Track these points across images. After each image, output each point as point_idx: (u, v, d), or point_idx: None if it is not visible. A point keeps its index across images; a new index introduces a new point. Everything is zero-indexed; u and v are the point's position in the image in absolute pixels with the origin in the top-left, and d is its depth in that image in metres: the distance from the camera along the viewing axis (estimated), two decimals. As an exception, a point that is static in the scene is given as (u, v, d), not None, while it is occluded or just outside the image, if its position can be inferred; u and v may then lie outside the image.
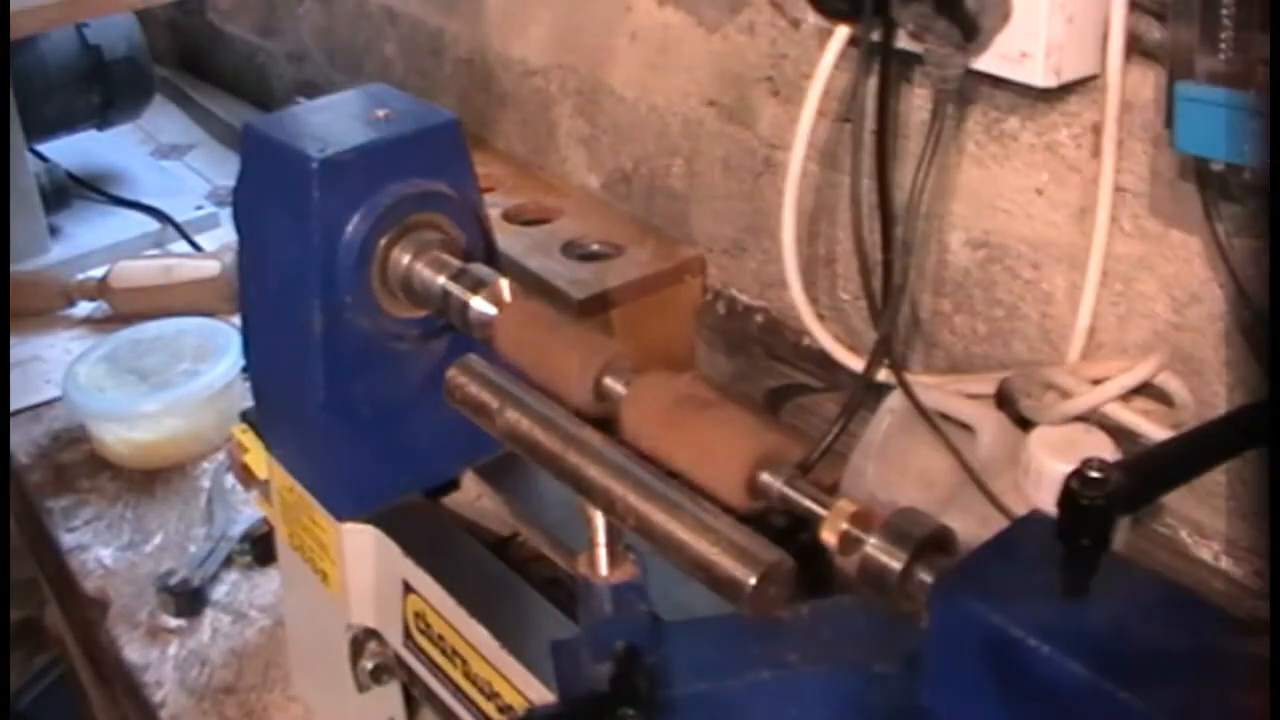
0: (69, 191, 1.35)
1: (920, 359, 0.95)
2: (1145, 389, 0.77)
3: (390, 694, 0.77)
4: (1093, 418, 0.76)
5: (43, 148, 1.34)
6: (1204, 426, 0.54)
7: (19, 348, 1.22)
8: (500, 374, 0.63)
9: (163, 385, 1.09)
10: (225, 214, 1.35)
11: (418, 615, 0.73)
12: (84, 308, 1.23)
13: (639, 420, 0.58)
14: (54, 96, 1.30)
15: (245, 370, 0.96)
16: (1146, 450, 0.52)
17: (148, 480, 1.10)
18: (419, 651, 0.73)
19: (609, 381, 0.61)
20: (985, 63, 0.77)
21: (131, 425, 1.09)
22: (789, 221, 0.90)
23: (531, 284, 0.96)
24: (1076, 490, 0.46)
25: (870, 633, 0.60)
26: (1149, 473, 0.49)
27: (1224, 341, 0.76)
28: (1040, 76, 0.75)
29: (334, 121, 0.79)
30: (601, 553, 0.57)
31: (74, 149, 1.38)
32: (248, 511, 1.03)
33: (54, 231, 1.31)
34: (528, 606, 0.70)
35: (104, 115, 1.37)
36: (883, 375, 0.85)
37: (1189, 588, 0.52)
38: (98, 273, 1.20)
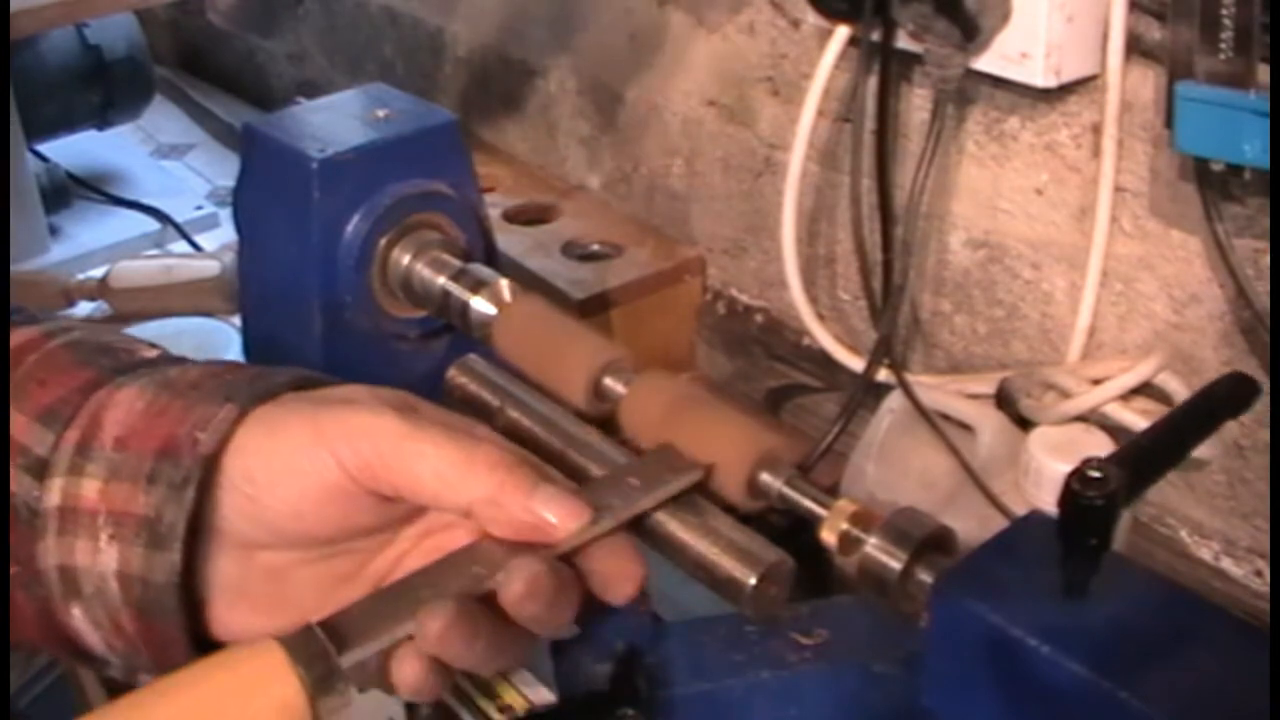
0: (69, 191, 1.35)
1: (920, 359, 0.95)
2: (1145, 389, 0.77)
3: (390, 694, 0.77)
4: (1093, 418, 0.76)
5: (43, 148, 1.34)
6: (1183, 407, 0.55)
7: (19, 348, 1.21)
8: (500, 374, 0.63)
9: (163, 385, 1.09)
10: (225, 214, 1.34)
11: (418, 615, 0.73)
12: (84, 308, 1.23)
13: (639, 420, 0.58)
14: (54, 96, 1.30)
15: (245, 370, 0.95)
16: (1133, 440, 0.52)
17: (148, 480, 1.10)
18: (419, 651, 0.73)
19: (609, 381, 0.61)
20: (985, 63, 0.77)
21: (131, 425, 1.09)
22: (789, 221, 0.90)
23: (531, 284, 0.96)
24: (1076, 490, 0.46)
25: (870, 633, 0.60)
26: (1141, 461, 0.49)
27: (1224, 341, 0.76)
28: (1040, 76, 0.75)
29: (334, 121, 0.79)
30: (601, 553, 0.57)
31: (74, 149, 1.37)
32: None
33: (54, 231, 1.30)
34: (528, 606, 0.70)
35: (104, 115, 1.36)
36: (883, 375, 0.85)
37: (1189, 588, 0.52)
38: (98, 273, 1.20)
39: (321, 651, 0.44)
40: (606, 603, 0.50)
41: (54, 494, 0.49)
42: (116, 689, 0.54)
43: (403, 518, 0.52)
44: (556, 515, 0.48)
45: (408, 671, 0.47)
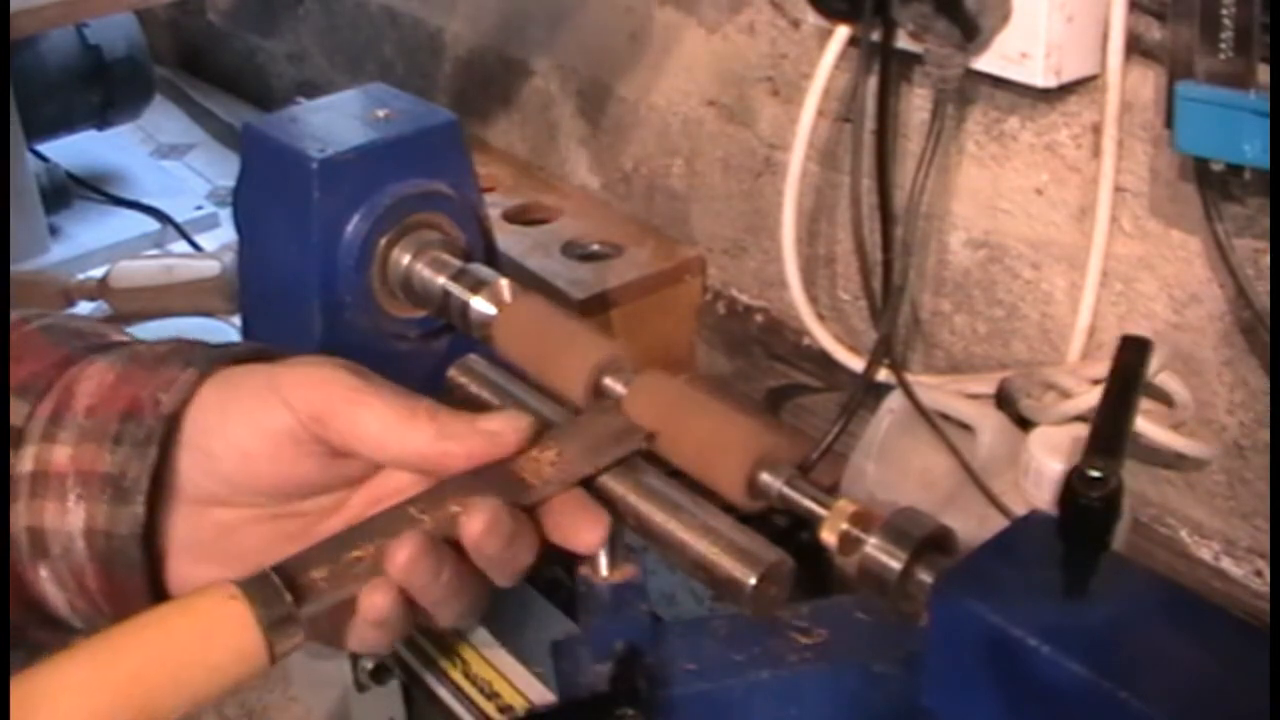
0: (69, 191, 1.35)
1: (920, 359, 0.95)
2: (1145, 389, 0.77)
3: (390, 694, 0.77)
4: (1092, 418, 0.76)
5: (43, 148, 1.34)
6: (1114, 385, 0.55)
7: (19, 348, 1.21)
8: (500, 374, 0.63)
9: (163, 385, 1.09)
10: (225, 214, 1.34)
11: (418, 615, 0.73)
12: (84, 308, 1.23)
13: (639, 420, 0.58)
14: (54, 96, 1.30)
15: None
16: (1095, 429, 0.52)
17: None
18: (419, 651, 0.73)
19: (609, 381, 0.61)
20: (985, 63, 0.77)
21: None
22: (789, 221, 0.90)
23: (531, 284, 0.96)
24: (1076, 490, 0.46)
25: (870, 633, 0.60)
26: (1113, 446, 0.50)
27: (1224, 341, 0.76)
28: (1040, 76, 0.75)
29: (334, 121, 0.79)
30: (601, 552, 0.57)
31: (74, 149, 1.37)
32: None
33: (54, 231, 1.30)
34: (528, 606, 0.70)
35: (104, 115, 1.36)
36: (883, 375, 0.85)
37: (1189, 588, 0.52)
38: (98, 273, 1.20)
39: (276, 594, 0.46)
40: (574, 552, 0.53)
41: (27, 461, 0.51)
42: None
43: (352, 479, 0.54)
44: (501, 427, 0.52)
45: (378, 601, 0.48)
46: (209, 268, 1.17)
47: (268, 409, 0.51)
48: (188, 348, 0.55)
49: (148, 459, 0.50)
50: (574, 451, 0.54)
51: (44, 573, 0.52)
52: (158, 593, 0.52)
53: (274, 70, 1.64)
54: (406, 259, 0.76)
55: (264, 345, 0.57)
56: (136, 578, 0.51)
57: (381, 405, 0.51)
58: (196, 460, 0.51)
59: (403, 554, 0.48)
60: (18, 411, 0.52)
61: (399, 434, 0.51)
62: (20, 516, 0.51)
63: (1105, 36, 0.75)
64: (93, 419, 0.51)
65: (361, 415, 0.51)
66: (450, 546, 0.49)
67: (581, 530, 0.52)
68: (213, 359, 0.53)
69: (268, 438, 0.51)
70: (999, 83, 0.80)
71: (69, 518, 0.51)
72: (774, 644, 0.60)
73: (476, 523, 0.49)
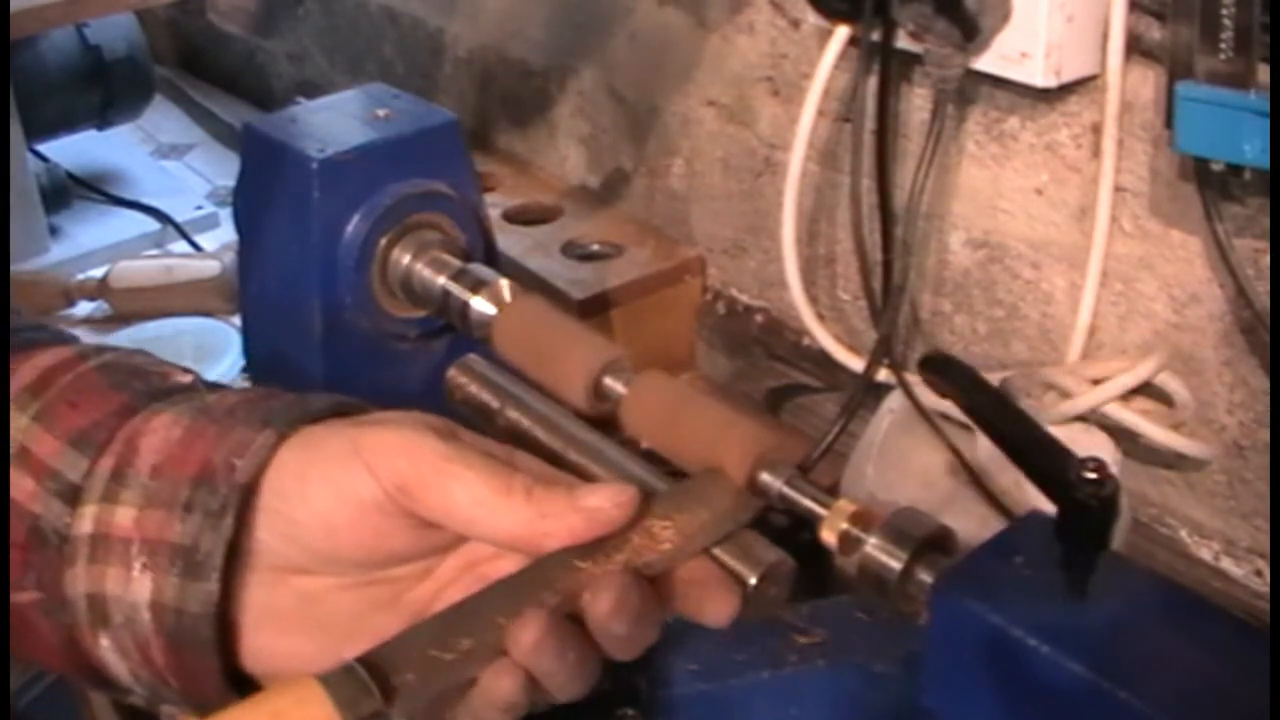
0: (69, 191, 1.35)
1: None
2: (1145, 389, 0.77)
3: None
4: (1093, 418, 0.76)
5: (43, 148, 1.34)
6: (986, 404, 0.56)
7: (19, 348, 1.21)
8: (500, 374, 0.63)
9: (163, 385, 1.09)
10: (225, 214, 1.34)
11: (418, 615, 0.73)
12: (84, 308, 1.23)
13: (639, 420, 0.58)
14: (54, 96, 1.30)
15: (245, 370, 0.95)
16: (1016, 453, 0.52)
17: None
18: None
19: (609, 381, 0.61)
20: (985, 63, 0.77)
21: (131, 425, 1.08)
22: (789, 221, 0.90)
23: (531, 284, 0.96)
24: (1075, 490, 0.46)
25: (870, 633, 0.60)
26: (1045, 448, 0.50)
27: (1224, 341, 0.76)
28: (1040, 76, 0.75)
29: (334, 121, 0.79)
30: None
31: (74, 149, 1.37)
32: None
33: (54, 231, 1.30)
34: (528, 606, 0.70)
35: (104, 115, 1.36)
36: (883, 375, 0.85)
37: (1189, 588, 0.52)
38: (98, 273, 1.20)
39: (363, 690, 0.43)
40: (702, 624, 0.49)
41: (86, 521, 0.48)
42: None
43: (442, 547, 0.50)
44: (603, 501, 0.47)
45: (505, 685, 0.45)
46: (209, 268, 1.17)
47: (351, 477, 0.47)
48: (262, 401, 0.51)
49: (222, 531, 0.46)
50: (692, 523, 0.50)
51: (105, 641, 0.48)
52: (230, 668, 0.48)
53: (274, 70, 1.64)
54: (406, 259, 0.77)
55: (344, 398, 0.52)
56: (207, 655, 0.47)
57: (473, 477, 0.47)
58: (275, 527, 0.48)
59: (528, 636, 0.44)
60: (75, 466, 0.49)
61: (492, 512, 0.47)
62: (79, 581, 0.48)
63: (1105, 36, 0.75)
64: (159, 480, 0.48)
65: (452, 489, 0.47)
66: (572, 623, 0.46)
67: (714, 603, 0.49)
68: (292, 419, 0.49)
69: (352, 508, 0.47)
70: (999, 83, 0.80)
71: (133, 587, 0.47)
72: (774, 644, 0.60)
73: (603, 602, 0.46)
